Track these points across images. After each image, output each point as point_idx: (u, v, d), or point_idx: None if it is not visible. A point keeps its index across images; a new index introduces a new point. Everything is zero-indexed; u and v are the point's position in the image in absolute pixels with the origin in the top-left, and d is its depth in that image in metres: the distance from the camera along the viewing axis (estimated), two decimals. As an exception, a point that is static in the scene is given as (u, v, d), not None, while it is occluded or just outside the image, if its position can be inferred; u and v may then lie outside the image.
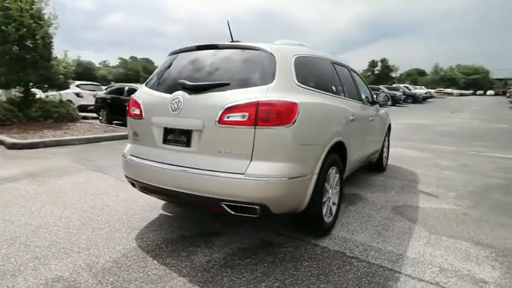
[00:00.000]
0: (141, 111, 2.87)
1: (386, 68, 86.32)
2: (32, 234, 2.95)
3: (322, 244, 2.90)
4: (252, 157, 2.37)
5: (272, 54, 2.64)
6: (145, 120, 2.84)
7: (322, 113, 2.90)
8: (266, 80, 2.49)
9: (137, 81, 61.25)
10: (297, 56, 2.84)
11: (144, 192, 3.05)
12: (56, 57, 11.03)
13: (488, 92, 72.20)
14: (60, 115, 10.55)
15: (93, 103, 13.10)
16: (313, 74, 3.05)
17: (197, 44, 2.95)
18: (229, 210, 2.45)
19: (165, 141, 2.73)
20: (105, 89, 17.27)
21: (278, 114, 2.34)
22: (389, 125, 5.83)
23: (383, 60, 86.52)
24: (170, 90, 2.73)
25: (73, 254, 2.63)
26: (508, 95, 37.03)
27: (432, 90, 45.46)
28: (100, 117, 12.00)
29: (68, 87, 12.19)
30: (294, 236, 3.03)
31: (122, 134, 8.85)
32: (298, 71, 2.74)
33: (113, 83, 36.32)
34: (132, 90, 10.90)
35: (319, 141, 2.74)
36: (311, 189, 2.65)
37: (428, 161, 6.63)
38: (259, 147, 2.35)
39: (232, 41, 3.09)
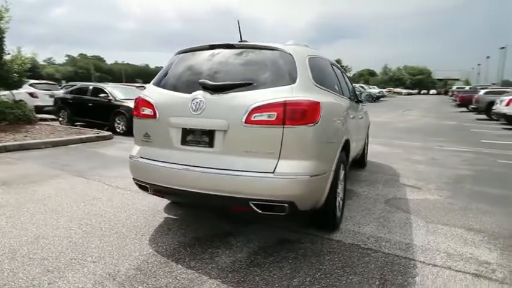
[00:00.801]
0: (154, 111, 2.77)
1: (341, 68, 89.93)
2: (32, 246, 2.73)
3: (335, 238, 3.01)
4: (279, 156, 2.41)
5: (291, 55, 2.69)
6: (160, 121, 2.74)
7: (336, 112, 3.01)
8: (289, 80, 2.54)
9: (88, 79, 57.76)
10: (309, 56, 2.92)
11: (157, 195, 2.95)
12: (9, 53, 10.10)
13: (431, 91, 78.34)
14: (16, 117, 9.69)
15: (49, 104, 12.20)
16: (322, 74, 3.15)
17: (210, 43, 2.91)
18: (257, 209, 2.46)
19: (184, 142, 2.66)
20: (61, 88, 16.18)
21: (305, 114, 2.40)
22: (369, 122, 6.15)
23: (338, 61, 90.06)
24: (188, 90, 2.67)
25: (88, 264, 2.48)
26: (450, 94, 40.50)
27: (384, 90, 48.31)
28: (60, 119, 11.21)
29: (21, 87, 11.22)
30: (307, 231, 3.11)
31: (90, 136, 8.38)
32: (313, 71, 2.82)
33: (64, 82, 33.98)
34: (99, 90, 10.33)
35: (336, 140, 2.85)
36: (329, 186, 2.74)
37: (400, 156, 7.09)
38: (287, 146, 2.39)
39: (241, 41, 3.09)
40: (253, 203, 2.44)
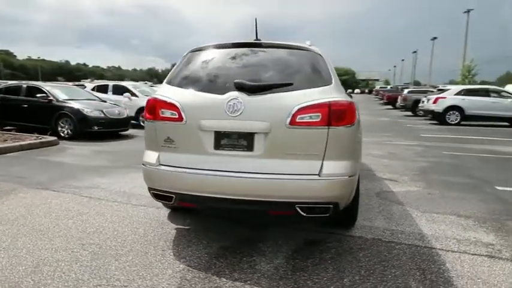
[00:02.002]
0: (180, 114, 2.54)
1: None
2: (37, 277, 2.31)
3: (356, 234, 3.11)
4: (324, 157, 2.40)
5: (321, 55, 2.69)
6: (188, 124, 2.52)
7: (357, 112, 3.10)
8: (325, 81, 2.54)
9: (-3, 77, 50.26)
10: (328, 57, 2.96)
11: (183, 205, 2.72)
12: None
13: (356, 91, 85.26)
14: None
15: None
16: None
17: (233, 41, 2.77)
18: (302, 212, 2.42)
19: (218, 146, 2.49)
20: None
21: (346, 115, 2.43)
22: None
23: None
24: (219, 90, 2.50)
25: (120, 289, 2.18)
26: (375, 93, 44.53)
27: None
28: (-16, 123, 9.60)
29: None
30: (327, 231, 3.16)
31: (32, 142, 7.35)
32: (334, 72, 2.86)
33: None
34: (35, 89, 9.09)
35: (361, 139, 2.93)
36: (356, 184, 2.82)
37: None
38: (331, 147, 2.39)
39: (257, 39, 2.99)
40: (299, 207, 2.39)
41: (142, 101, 11.42)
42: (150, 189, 2.74)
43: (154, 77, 72.52)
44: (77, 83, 19.20)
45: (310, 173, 2.38)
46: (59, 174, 5.08)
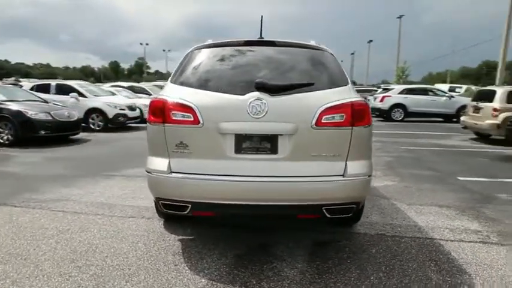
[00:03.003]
0: (195, 116, 2.34)
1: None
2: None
3: (360, 231, 3.18)
4: (347, 157, 2.40)
5: (333, 55, 2.69)
6: (205, 127, 2.33)
7: None
8: (344, 81, 2.54)
9: None
10: None
11: (198, 214, 2.51)
12: None
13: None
14: None
15: None
16: None
17: (245, 39, 2.63)
18: (327, 214, 2.39)
19: (240, 150, 2.35)
20: None
21: (366, 114, 2.45)
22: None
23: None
24: (238, 90, 2.36)
25: (146, 315, 1.94)
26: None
27: None
28: None
29: None
30: (331, 230, 3.18)
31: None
32: None
33: None
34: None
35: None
36: None
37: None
38: (354, 147, 2.40)
39: (261, 37, 2.90)
40: (325, 208, 2.36)
41: (92, 102, 10.55)
42: (158, 199, 2.49)
43: (90, 75, 67.41)
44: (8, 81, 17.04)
45: (335, 174, 2.36)
46: (13, 187, 4.43)
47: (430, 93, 15.04)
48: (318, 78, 2.49)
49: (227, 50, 2.65)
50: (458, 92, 19.94)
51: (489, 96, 8.95)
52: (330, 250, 2.80)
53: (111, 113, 10.48)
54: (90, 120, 10.46)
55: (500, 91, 8.77)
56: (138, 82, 21.89)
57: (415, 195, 4.35)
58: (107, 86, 14.78)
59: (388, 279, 2.36)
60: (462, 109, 13.96)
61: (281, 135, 2.34)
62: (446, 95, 15.09)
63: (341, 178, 2.36)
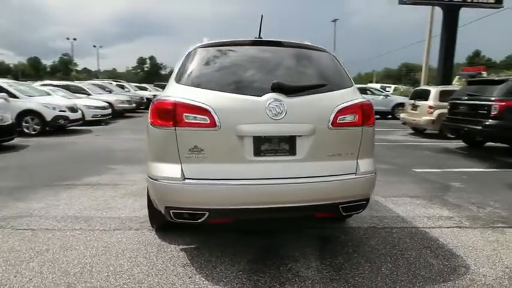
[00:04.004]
0: (212, 119, 2.21)
1: (156, 66, 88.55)
2: None
3: (353, 225, 3.33)
4: (358, 156, 2.49)
5: (335, 56, 2.76)
6: (223, 130, 2.22)
7: None
8: (350, 82, 2.63)
9: None
10: None
11: (216, 221, 2.39)
12: None
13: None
14: None
15: None
16: None
17: (253, 39, 2.56)
18: (342, 212, 2.46)
19: (259, 153, 2.29)
20: None
21: (372, 114, 2.57)
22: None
23: (151, 58, 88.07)
24: (254, 91, 2.30)
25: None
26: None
27: None
28: None
29: None
30: (326, 226, 3.28)
31: None
32: None
33: None
34: None
35: None
36: None
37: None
38: (363, 146, 2.50)
39: (259, 37, 2.86)
40: (341, 206, 2.42)
41: (25, 103, 9.41)
42: (169, 208, 2.31)
43: (6, 73, 59.60)
44: None
45: (348, 172, 2.44)
46: (-46, 205, 3.74)
47: (368, 92, 16.28)
48: (328, 79, 2.54)
49: (235, 50, 2.57)
50: (389, 91, 21.97)
51: (425, 95, 10.00)
52: (335, 246, 2.89)
53: (49, 115, 9.42)
54: (24, 124, 9.29)
55: (434, 90, 9.86)
56: (66, 81, 20.07)
57: (387, 187, 4.68)
58: (37, 85, 13.26)
59: (397, 269, 2.51)
60: (397, 107, 15.41)
61: (299, 136, 2.34)
62: (383, 94, 16.48)
63: (354, 176, 2.44)
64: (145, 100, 18.87)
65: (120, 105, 14.96)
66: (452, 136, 8.98)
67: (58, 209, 3.64)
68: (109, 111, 12.96)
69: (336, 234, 3.12)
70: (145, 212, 3.54)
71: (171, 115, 2.25)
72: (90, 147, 7.98)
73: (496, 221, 3.51)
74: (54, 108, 9.58)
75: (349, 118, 2.41)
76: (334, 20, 35.62)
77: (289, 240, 2.95)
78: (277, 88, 2.30)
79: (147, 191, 2.91)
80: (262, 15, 2.87)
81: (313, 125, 2.34)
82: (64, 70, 74.30)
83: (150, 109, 2.45)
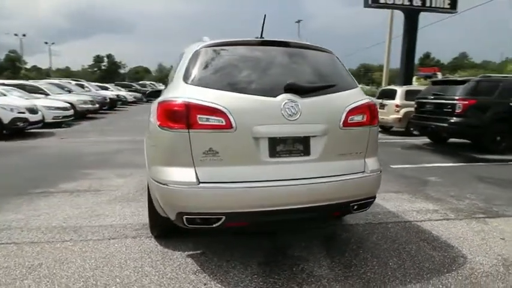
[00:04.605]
0: (228, 121, 2.15)
1: (114, 64, 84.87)
2: None
3: (350, 222, 3.42)
4: (365, 155, 2.55)
5: (338, 58, 2.80)
6: (239, 131, 2.17)
7: None
8: (355, 83, 2.68)
9: None
10: None
11: (232, 226, 2.32)
12: None
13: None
14: None
15: None
16: None
17: (261, 39, 2.53)
18: (353, 210, 2.51)
19: (274, 154, 2.26)
20: None
21: (376, 114, 2.64)
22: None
23: (109, 56, 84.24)
24: (268, 92, 2.27)
25: None
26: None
27: None
28: None
29: None
30: (324, 225, 3.34)
31: None
32: None
33: None
34: None
35: None
36: None
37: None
38: (370, 145, 2.57)
39: (261, 37, 2.84)
40: (352, 205, 2.47)
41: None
42: (181, 214, 2.21)
43: None
44: None
45: (358, 171, 2.50)
46: None
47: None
48: (336, 80, 2.57)
49: (243, 50, 2.52)
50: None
51: (391, 95, 10.52)
52: (339, 244, 2.94)
53: (6, 117, 8.68)
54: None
55: (400, 90, 10.40)
56: (14, 80, 18.64)
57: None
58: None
59: (403, 263, 2.62)
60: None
61: (314, 136, 2.35)
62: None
63: (364, 175, 2.50)
64: (108, 100, 18.01)
65: (83, 105, 14.12)
66: (417, 133, 9.52)
67: (40, 220, 3.36)
68: (71, 112, 12.21)
69: (337, 232, 3.19)
70: (138, 218, 3.41)
71: (184, 117, 2.16)
72: (56, 151, 7.46)
73: (476, 212, 3.77)
74: (12, 110, 8.83)
75: (358, 118, 2.47)
76: (298, 21, 36.44)
77: (293, 241, 2.95)
78: (291, 88, 2.30)
79: (148, 196, 2.79)
80: (265, 15, 2.84)
81: (326, 125, 2.36)
82: (12, 68, 68.79)
83: (156, 110, 2.33)
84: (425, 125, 8.07)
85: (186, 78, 2.36)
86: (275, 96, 2.27)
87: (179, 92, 2.30)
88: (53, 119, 11.19)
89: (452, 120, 7.20)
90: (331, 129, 2.38)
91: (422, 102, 8.24)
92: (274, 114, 2.24)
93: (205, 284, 2.28)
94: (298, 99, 2.30)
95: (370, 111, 2.53)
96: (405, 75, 14.10)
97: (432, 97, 7.90)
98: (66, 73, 67.56)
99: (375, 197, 2.64)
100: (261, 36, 2.86)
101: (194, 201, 2.19)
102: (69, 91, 15.55)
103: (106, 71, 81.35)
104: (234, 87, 2.29)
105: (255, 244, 2.89)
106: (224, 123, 2.17)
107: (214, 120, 2.16)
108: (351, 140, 2.48)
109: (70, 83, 18.49)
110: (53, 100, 12.18)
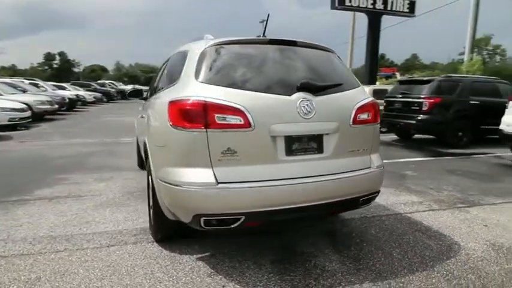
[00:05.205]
0: (247, 120, 2.12)
1: (67, 62, 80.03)
2: None
3: (348, 217, 3.52)
4: (371, 151, 2.65)
5: (339, 57, 2.87)
6: (257, 130, 2.15)
7: None
8: (357, 82, 2.77)
9: None
10: None
11: (251, 226, 2.29)
12: None
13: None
14: None
15: None
16: None
17: (270, 38, 2.52)
18: (360, 205, 2.60)
19: (290, 152, 2.27)
20: None
21: (379, 112, 2.75)
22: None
23: (61, 54, 79.26)
24: (282, 90, 2.28)
25: None
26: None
27: (138, 86, 48.00)
28: None
29: None
30: (327, 220, 3.41)
31: None
32: None
33: None
34: None
35: None
36: None
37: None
38: (374, 142, 2.68)
39: (264, 36, 2.84)
40: (361, 200, 2.56)
41: None
42: (199, 216, 2.15)
43: None
44: None
45: (365, 167, 2.58)
46: None
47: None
48: (342, 79, 2.64)
49: (253, 48, 2.50)
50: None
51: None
52: (343, 238, 3.03)
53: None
54: None
55: (367, 89, 10.84)
56: None
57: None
58: None
59: (406, 253, 2.75)
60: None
61: (327, 134, 2.40)
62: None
63: (370, 170, 2.60)
64: (67, 100, 16.94)
65: (40, 106, 13.15)
66: (384, 130, 10.01)
67: (23, 230, 3.10)
68: (28, 113, 11.31)
69: (337, 227, 3.27)
70: (133, 224, 3.28)
71: (201, 116, 2.10)
72: (20, 155, 6.88)
73: (456, 202, 4.06)
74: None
75: (364, 116, 2.56)
76: (263, 21, 36.51)
77: (299, 238, 2.99)
78: (304, 87, 2.32)
79: (153, 199, 2.67)
80: (268, 14, 2.85)
81: (338, 123, 2.42)
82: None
83: (167, 109, 2.25)
84: (394, 123, 8.52)
85: (197, 76, 2.29)
86: (290, 95, 2.29)
87: (192, 91, 2.23)
88: (9, 121, 10.31)
89: (419, 118, 7.66)
90: (342, 127, 2.44)
91: (391, 101, 8.68)
92: (290, 112, 2.26)
93: (223, 286, 2.24)
94: (312, 98, 2.33)
95: (374, 109, 2.64)
96: (370, 74, 14.79)
97: (400, 96, 8.35)
98: (12, 72, 62.56)
99: (379, 192, 2.75)
100: (264, 35, 2.86)
101: (213, 202, 2.14)
102: (23, 91, 14.42)
103: (58, 69, 76.45)
104: (249, 85, 2.27)
105: (263, 243, 2.89)
106: (242, 122, 2.14)
107: (232, 119, 2.13)
108: (359, 137, 2.56)
109: (23, 82, 17.14)
110: (7, 101, 11.21)
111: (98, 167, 5.68)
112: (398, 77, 23.80)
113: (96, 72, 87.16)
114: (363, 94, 2.67)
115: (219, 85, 2.24)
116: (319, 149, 2.40)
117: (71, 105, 17.88)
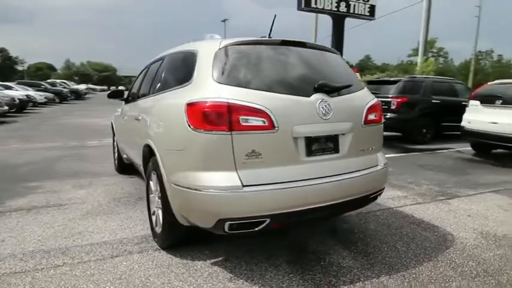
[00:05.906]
0: (270, 121, 2.10)
1: (9, 60, 73.70)
2: None
3: (345, 214, 3.61)
4: (377, 150, 2.76)
5: (343, 58, 2.95)
6: (280, 132, 2.14)
7: None
8: (360, 83, 2.85)
9: None
10: None
11: (275, 227, 2.28)
12: None
13: (120, 87, 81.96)
14: None
15: None
16: None
17: (282, 38, 2.51)
18: (368, 202, 2.70)
19: (310, 152, 2.29)
20: None
21: (382, 112, 2.87)
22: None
23: (2, 50, 72.80)
24: (301, 91, 2.30)
25: None
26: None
27: (91, 86, 45.37)
28: None
29: None
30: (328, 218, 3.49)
31: None
32: None
33: None
34: None
35: None
36: None
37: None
38: (380, 141, 2.79)
39: (270, 37, 2.84)
40: (370, 197, 2.65)
41: None
42: (223, 220, 2.10)
43: None
44: None
45: (373, 165, 2.68)
46: None
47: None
48: (350, 80, 2.71)
49: (266, 49, 2.48)
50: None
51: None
52: (348, 234, 3.12)
53: None
54: None
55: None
56: None
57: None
58: None
59: (409, 245, 2.90)
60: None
61: (342, 134, 2.45)
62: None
63: (378, 168, 2.70)
64: (17, 102, 15.61)
65: (-12, 108, 12.03)
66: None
67: (8, 245, 2.81)
68: (-25, 116, 10.29)
69: (339, 225, 3.36)
70: (132, 232, 3.13)
71: (225, 118, 2.05)
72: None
73: (437, 195, 4.35)
74: None
75: (373, 116, 2.66)
76: (224, 20, 36.49)
77: (305, 237, 3.03)
78: (320, 88, 2.36)
79: (164, 205, 2.56)
80: (275, 15, 2.84)
81: (352, 123, 2.49)
82: None
83: (185, 111, 2.16)
84: (364, 121, 8.89)
85: (215, 77, 2.23)
86: (309, 96, 2.31)
87: (212, 92, 2.16)
88: (-47, 124, 9.28)
89: (388, 116, 8.09)
90: (355, 127, 2.52)
91: (360, 100, 9.06)
92: (310, 113, 2.28)
93: (248, 290, 2.21)
94: (328, 99, 2.38)
95: (380, 109, 2.75)
96: (334, 75, 15.30)
97: (369, 95, 8.75)
98: None
99: (383, 189, 2.87)
100: (269, 36, 2.85)
101: (240, 205, 2.10)
102: (-34, 91, 13.06)
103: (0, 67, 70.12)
104: (269, 87, 2.25)
105: (272, 244, 2.88)
106: (267, 124, 2.13)
107: (256, 120, 2.11)
108: (369, 137, 2.66)
109: (-37, 81, 15.50)
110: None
111: (70, 173, 5.30)
112: (359, 77, 24.87)
113: (42, 71, 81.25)
114: (370, 95, 2.77)
115: (239, 86, 2.20)
116: (336, 149, 2.45)
117: (21, 107, 16.51)
